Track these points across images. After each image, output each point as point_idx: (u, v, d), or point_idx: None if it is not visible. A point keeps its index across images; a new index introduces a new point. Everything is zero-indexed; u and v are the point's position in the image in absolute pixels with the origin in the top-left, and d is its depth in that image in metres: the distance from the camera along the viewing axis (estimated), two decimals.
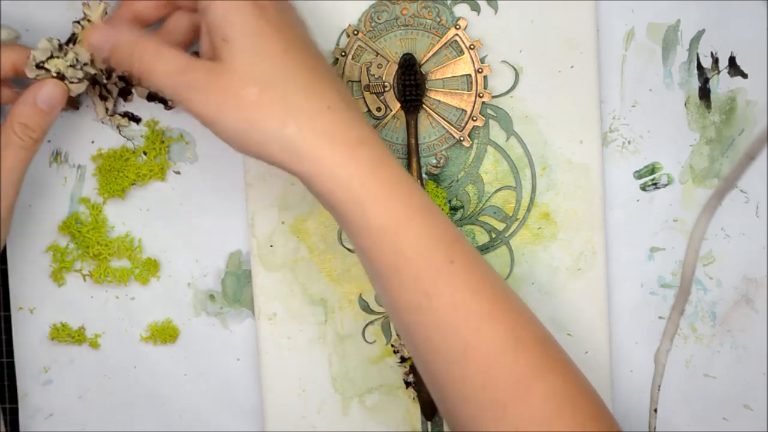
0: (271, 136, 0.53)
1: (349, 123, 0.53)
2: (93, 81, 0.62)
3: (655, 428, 0.63)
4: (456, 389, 0.55)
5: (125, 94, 0.64)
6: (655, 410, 0.62)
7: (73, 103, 0.63)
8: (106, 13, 0.59)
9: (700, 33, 0.64)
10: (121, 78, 0.63)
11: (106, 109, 0.64)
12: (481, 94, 0.63)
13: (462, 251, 0.55)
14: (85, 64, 0.59)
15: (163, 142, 0.65)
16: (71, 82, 0.59)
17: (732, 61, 0.64)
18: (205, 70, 0.53)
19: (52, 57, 0.59)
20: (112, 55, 0.56)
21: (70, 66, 0.59)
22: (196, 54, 0.56)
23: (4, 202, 0.59)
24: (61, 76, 0.59)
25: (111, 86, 0.63)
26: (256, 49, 0.53)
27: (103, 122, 0.65)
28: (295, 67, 0.53)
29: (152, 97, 0.64)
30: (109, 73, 0.62)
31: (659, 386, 0.62)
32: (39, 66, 0.58)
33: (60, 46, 0.59)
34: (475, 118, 0.63)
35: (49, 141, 0.65)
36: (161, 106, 0.64)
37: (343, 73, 0.63)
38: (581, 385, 0.56)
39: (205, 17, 0.53)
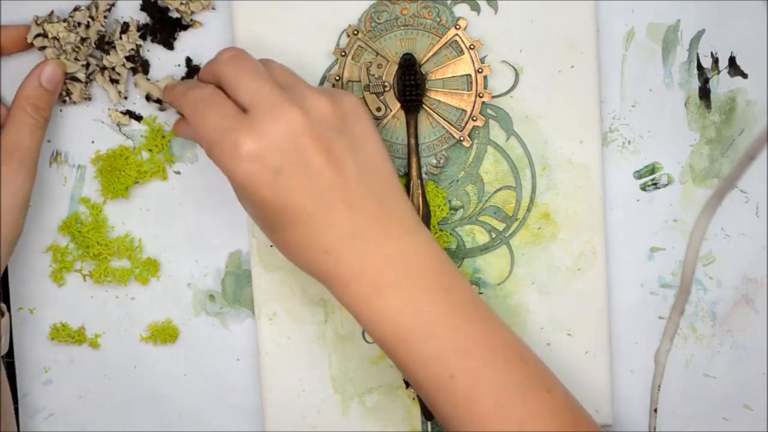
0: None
1: (344, 260, 0.56)
2: (101, 68, 0.63)
3: (655, 428, 0.63)
4: None
5: (142, 70, 0.64)
6: (655, 410, 0.62)
7: (85, 95, 0.64)
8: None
9: (700, 33, 0.64)
10: (129, 58, 0.63)
11: (119, 93, 0.64)
12: (481, 94, 0.63)
13: (465, 366, 0.55)
14: (78, 24, 0.62)
15: (164, 137, 0.65)
16: (67, 57, 0.62)
17: (732, 61, 0.64)
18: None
19: (51, 22, 0.62)
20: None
21: (68, 30, 0.62)
22: None
23: (27, 180, 0.61)
24: (57, 45, 0.62)
25: (120, 69, 0.63)
26: (255, 214, 0.58)
27: (103, 122, 0.65)
28: (289, 221, 0.56)
29: (150, 98, 0.64)
30: (102, 43, 0.63)
31: (659, 386, 0.61)
32: (38, 23, 0.62)
33: (59, 18, 0.63)
34: (475, 118, 0.63)
35: (49, 141, 0.65)
36: (155, 105, 0.65)
37: (342, 75, 0.63)
38: None
39: None
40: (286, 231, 0.56)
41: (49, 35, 0.62)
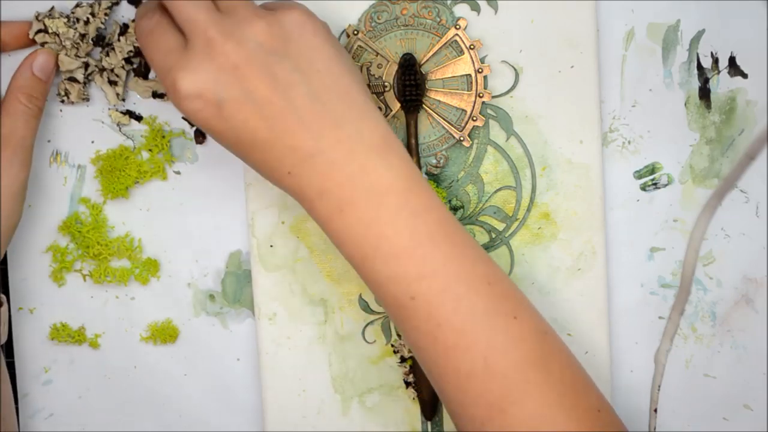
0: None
1: (306, 180, 0.56)
2: (100, 69, 0.63)
3: (655, 428, 0.63)
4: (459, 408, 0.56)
5: (144, 70, 0.64)
6: (655, 410, 0.62)
7: (83, 95, 0.64)
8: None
9: (700, 33, 0.64)
10: (128, 60, 0.63)
11: (117, 95, 0.64)
12: (481, 94, 0.63)
13: (425, 289, 0.55)
14: (78, 20, 0.62)
15: (164, 137, 0.65)
16: (67, 53, 0.62)
17: (732, 61, 0.64)
18: None
19: (52, 17, 0.62)
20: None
21: (68, 26, 0.62)
22: None
23: (23, 169, 0.62)
24: (58, 40, 0.62)
25: (119, 70, 0.63)
26: (219, 141, 0.57)
27: (103, 122, 0.65)
28: (249, 149, 0.56)
29: (156, 94, 0.64)
30: (100, 40, 0.63)
31: (659, 386, 0.61)
32: (39, 19, 0.62)
33: (60, 14, 0.63)
34: (475, 118, 0.63)
35: (49, 141, 0.65)
36: (161, 103, 0.64)
37: None
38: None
39: None
40: (249, 157, 0.56)
41: (50, 30, 0.62)
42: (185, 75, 0.54)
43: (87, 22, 0.62)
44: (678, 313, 0.60)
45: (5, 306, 0.63)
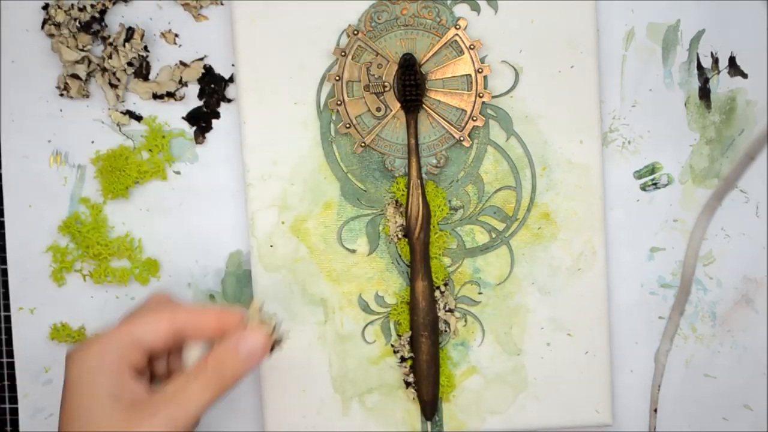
0: None
1: None
2: (102, 69, 0.63)
3: (655, 428, 0.63)
4: None
5: (143, 76, 0.64)
6: (655, 410, 0.62)
7: (83, 92, 0.64)
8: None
9: (700, 33, 0.64)
10: (130, 64, 0.63)
11: (117, 96, 0.64)
12: (481, 94, 0.63)
13: None
14: (82, 9, 0.62)
15: (163, 137, 0.65)
16: (67, 45, 0.61)
17: (732, 61, 0.64)
18: None
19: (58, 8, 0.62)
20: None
21: (67, 15, 0.62)
22: None
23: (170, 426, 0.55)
24: (58, 32, 0.61)
25: (120, 73, 0.63)
26: None
27: (103, 122, 0.65)
28: None
29: (156, 95, 0.64)
30: (88, 27, 0.63)
31: (659, 386, 0.61)
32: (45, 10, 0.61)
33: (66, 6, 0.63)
34: (475, 118, 0.63)
35: (49, 141, 0.65)
36: (161, 103, 0.65)
37: (342, 75, 0.63)
38: None
39: None
40: None
41: (54, 20, 0.62)
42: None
43: (82, 9, 0.62)
44: (678, 313, 0.60)
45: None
